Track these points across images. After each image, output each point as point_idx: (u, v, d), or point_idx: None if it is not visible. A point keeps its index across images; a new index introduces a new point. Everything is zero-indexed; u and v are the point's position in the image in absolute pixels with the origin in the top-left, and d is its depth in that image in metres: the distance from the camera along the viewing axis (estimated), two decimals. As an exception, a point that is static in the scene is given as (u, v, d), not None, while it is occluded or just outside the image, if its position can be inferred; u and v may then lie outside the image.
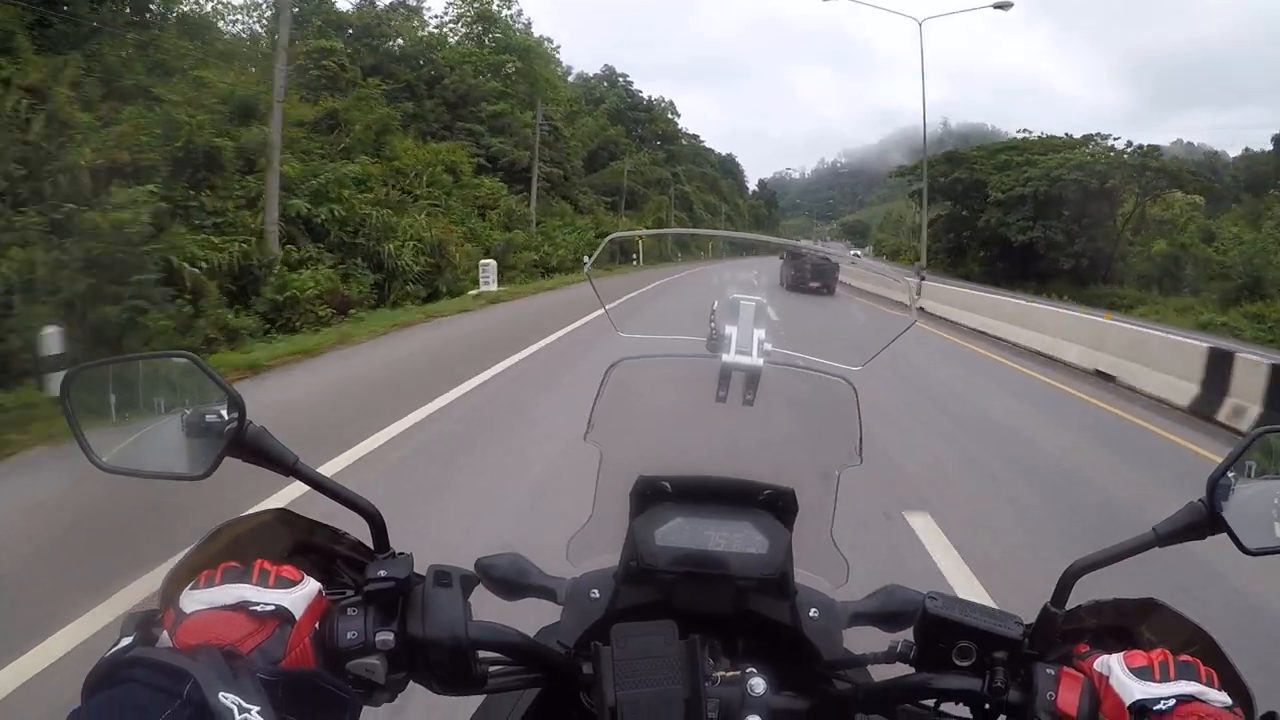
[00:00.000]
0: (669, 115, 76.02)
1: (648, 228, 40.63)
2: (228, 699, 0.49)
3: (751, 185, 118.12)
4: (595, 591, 0.76)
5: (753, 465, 0.83)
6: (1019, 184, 40.12)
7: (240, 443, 0.67)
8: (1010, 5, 24.33)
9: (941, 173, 43.37)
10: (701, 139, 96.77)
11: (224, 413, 0.68)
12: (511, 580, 0.78)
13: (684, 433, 0.98)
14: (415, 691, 0.68)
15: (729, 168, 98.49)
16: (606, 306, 1.05)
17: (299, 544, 0.71)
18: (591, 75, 66.80)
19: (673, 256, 47.82)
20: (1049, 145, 43.35)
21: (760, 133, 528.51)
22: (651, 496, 0.77)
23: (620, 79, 68.33)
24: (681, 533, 0.73)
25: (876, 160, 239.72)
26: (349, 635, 0.63)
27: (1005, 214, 40.73)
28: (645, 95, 71.53)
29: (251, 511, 0.69)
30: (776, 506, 0.77)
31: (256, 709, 0.50)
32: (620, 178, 45.30)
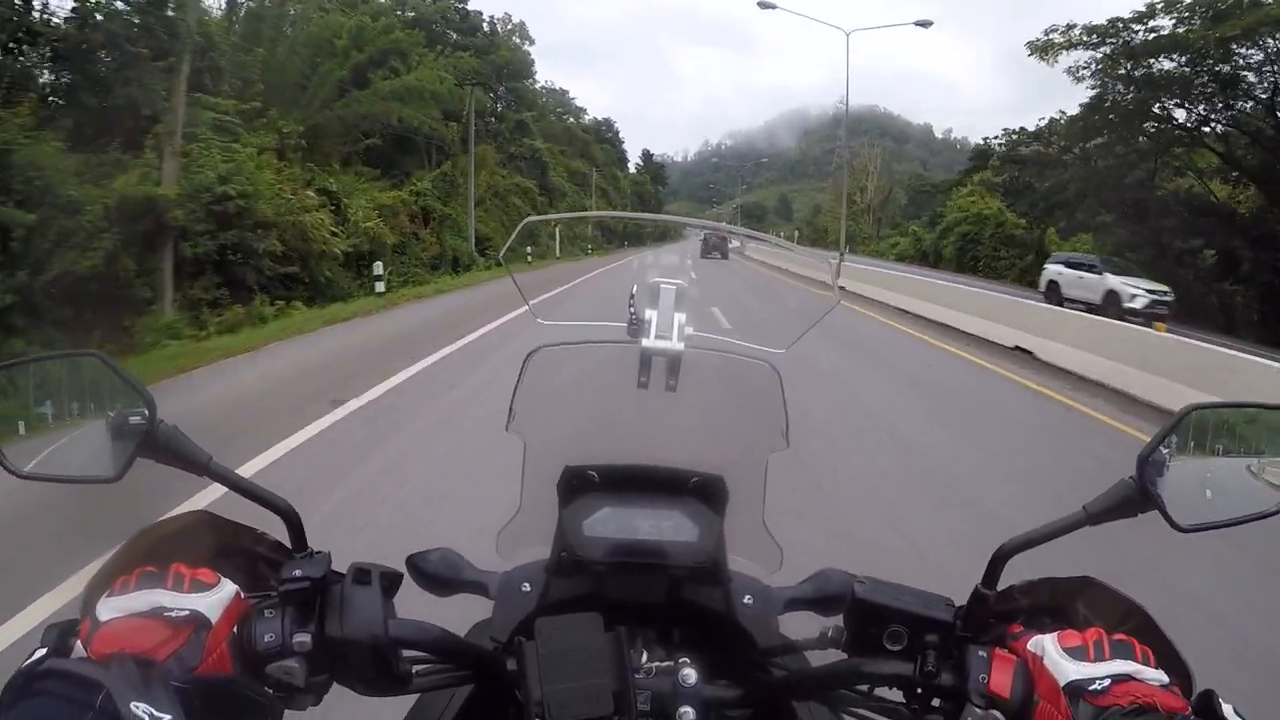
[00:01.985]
0: (516, 42, 55.32)
1: (460, 195, 29.39)
2: (139, 709, 0.50)
3: (633, 161, 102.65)
4: (526, 585, 0.77)
5: (680, 452, 0.83)
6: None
7: (152, 443, 0.67)
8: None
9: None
10: (570, 94, 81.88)
11: (141, 407, 0.68)
12: (442, 576, 0.79)
13: (609, 420, 0.97)
14: (344, 695, 0.68)
15: (605, 134, 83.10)
16: (529, 301, 1.05)
17: (220, 545, 0.70)
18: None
19: (583, 246, 40.72)
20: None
21: (638, 115, 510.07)
22: (579, 486, 0.78)
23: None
24: (611, 522, 0.74)
25: (764, 141, 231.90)
26: (266, 638, 0.62)
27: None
28: (483, 14, 50.91)
29: (172, 515, 0.69)
30: (706, 494, 0.78)
31: (169, 717, 0.51)
32: (383, 109, 24.63)
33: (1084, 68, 25.27)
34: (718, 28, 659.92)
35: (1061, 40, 25.11)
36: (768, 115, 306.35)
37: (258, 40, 20.39)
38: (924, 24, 27.05)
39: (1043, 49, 25.69)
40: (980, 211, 39.90)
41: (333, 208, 17.12)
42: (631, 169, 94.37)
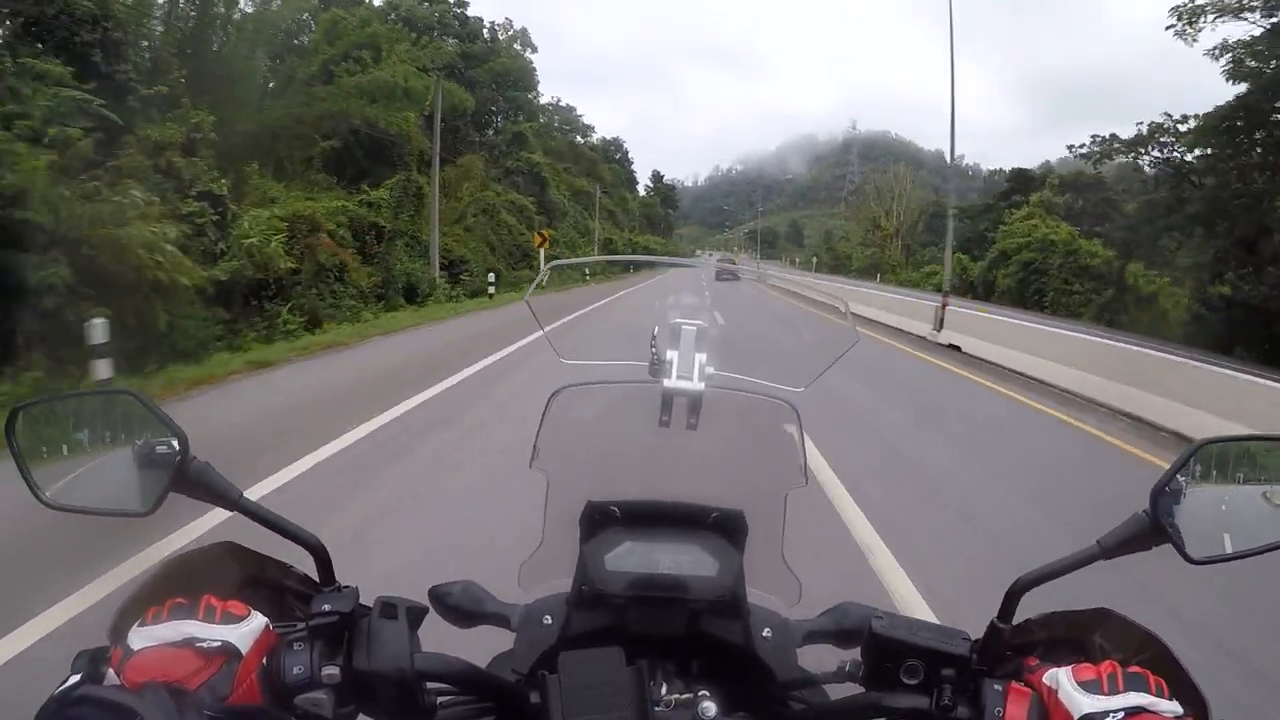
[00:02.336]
0: (518, 50, 49.01)
1: (440, 214, 24.15)
2: None
3: (643, 184, 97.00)
4: (548, 617, 0.78)
5: (700, 488, 0.85)
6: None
7: (184, 478, 0.68)
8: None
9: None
10: (578, 112, 75.37)
11: (174, 443, 0.69)
12: (465, 608, 0.80)
13: (630, 457, 0.99)
14: None
15: (613, 154, 77.90)
16: (545, 330, 1.09)
17: (247, 577, 0.72)
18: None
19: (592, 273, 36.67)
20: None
21: (648, 140, 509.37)
22: (600, 521, 0.80)
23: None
24: (631, 556, 0.75)
25: (775, 167, 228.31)
26: (295, 670, 0.64)
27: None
28: (483, 20, 45.99)
29: (199, 546, 0.70)
30: (726, 528, 0.80)
31: None
32: (347, 107, 20.19)
33: (1240, 46, 20.12)
34: (728, 55, 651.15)
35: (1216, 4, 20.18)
36: (778, 141, 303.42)
37: (191, 21, 16.63)
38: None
39: (1190, 17, 20.48)
40: (1046, 238, 34.83)
41: (216, 217, 11.85)
42: (641, 190, 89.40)
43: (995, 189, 63.50)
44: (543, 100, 58.87)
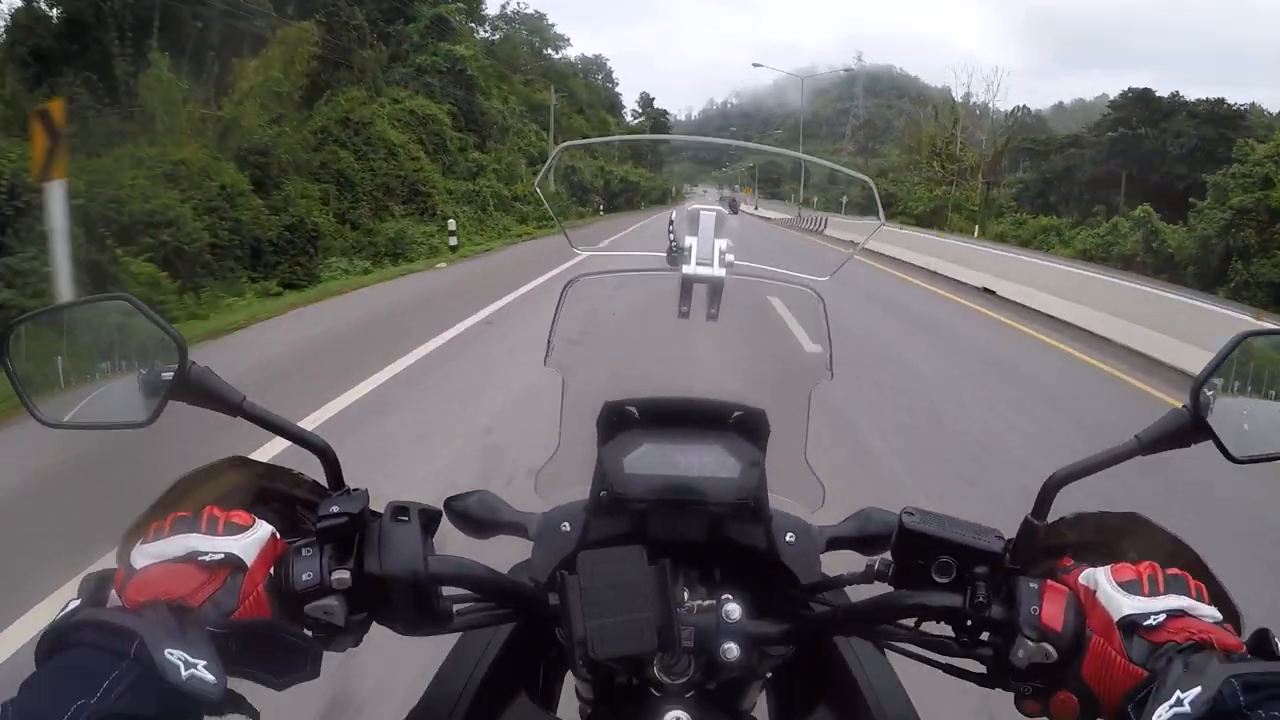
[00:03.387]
0: None
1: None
2: (174, 655, 0.50)
3: (630, 109, 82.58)
4: (566, 524, 0.76)
5: (721, 385, 0.83)
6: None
7: (184, 385, 0.67)
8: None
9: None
10: (548, 20, 60.02)
11: (172, 349, 0.67)
12: (480, 518, 0.79)
13: (648, 353, 0.98)
14: (382, 638, 0.68)
15: (593, 70, 64.57)
16: (567, 234, 1.04)
17: (257, 490, 0.71)
18: None
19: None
20: None
21: (637, 70, 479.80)
22: (619, 423, 0.78)
23: None
24: (651, 459, 0.74)
25: (773, 100, 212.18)
26: (304, 577, 0.62)
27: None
28: None
29: (206, 463, 0.69)
30: (747, 428, 0.78)
31: (203, 663, 0.51)
32: None
33: None
34: None
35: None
36: (775, 73, 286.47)
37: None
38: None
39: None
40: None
41: None
42: (628, 117, 75.93)
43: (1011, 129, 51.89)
44: (502, 5, 47.48)
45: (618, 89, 76.25)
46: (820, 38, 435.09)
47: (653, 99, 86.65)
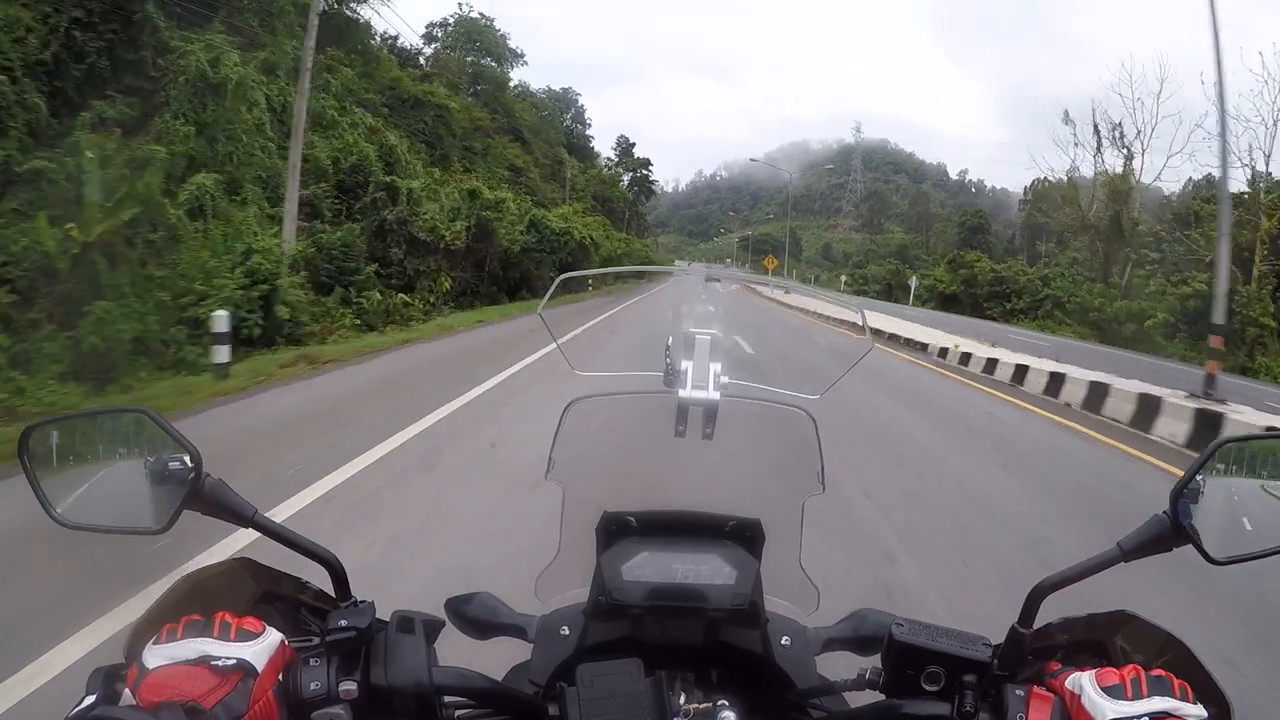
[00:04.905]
0: None
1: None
2: None
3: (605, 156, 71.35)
4: (565, 628, 0.79)
5: (717, 497, 0.87)
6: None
7: (198, 495, 0.69)
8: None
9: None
10: (501, 32, 48.70)
11: (186, 460, 0.70)
12: (481, 620, 0.82)
13: (646, 467, 1.00)
14: None
15: (560, 106, 54.98)
16: (566, 356, 1.11)
17: (263, 593, 0.73)
18: None
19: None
20: None
21: (618, 130, 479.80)
22: (617, 531, 0.80)
23: None
24: (649, 566, 0.76)
25: (763, 173, 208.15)
26: (312, 686, 0.65)
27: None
28: None
29: (214, 562, 0.72)
30: (744, 537, 0.80)
31: None
32: None
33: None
34: (713, 57, 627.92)
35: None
36: (767, 146, 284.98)
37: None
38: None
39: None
40: None
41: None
42: (603, 163, 68.77)
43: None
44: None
45: (589, 130, 66.89)
46: (812, 112, 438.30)
47: (633, 144, 74.95)
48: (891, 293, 58.88)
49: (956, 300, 48.72)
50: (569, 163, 48.21)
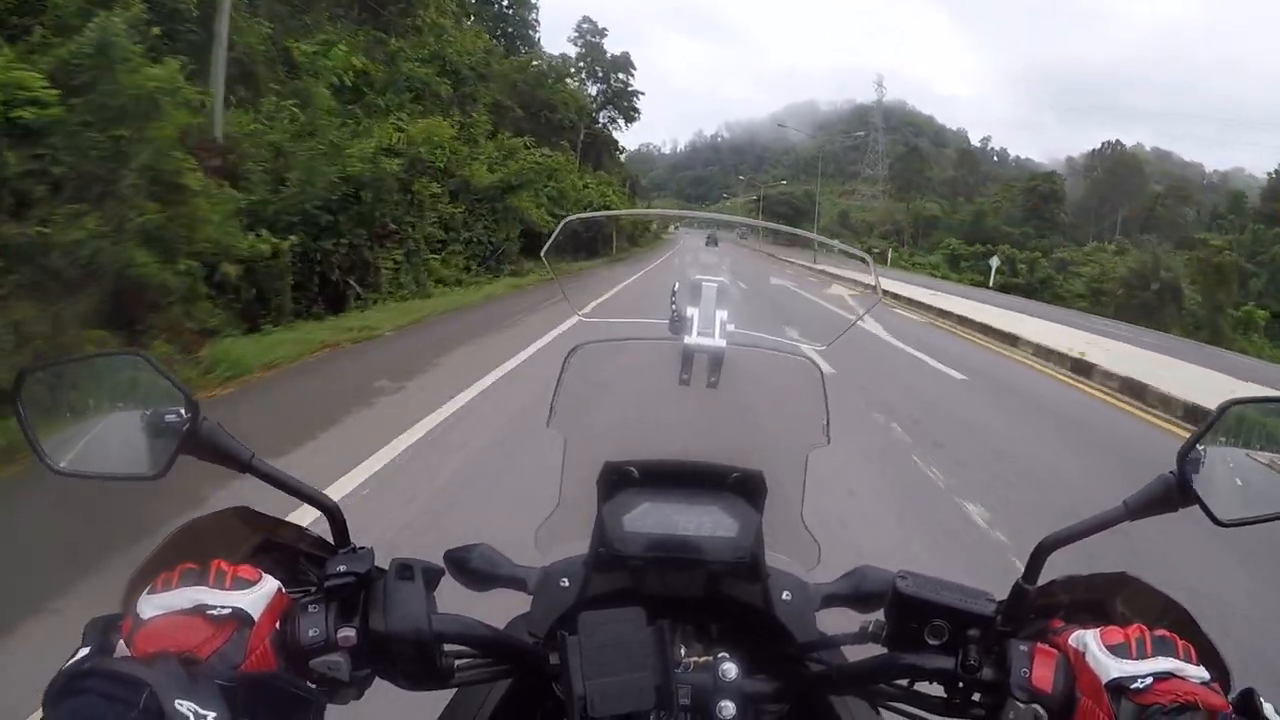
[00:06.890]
0: None
1: None
2: (184, 706, 0.52)
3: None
4: (565, 580, 0.79)
5: (720, 448, 0.86)
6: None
7: (195, 440, 0.69)
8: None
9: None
10: None
11: (182, 411, 0.70)
12: (481, 571, 0.82)
13: (649, 417, 1.00)
14: (383, 689, 0.71)
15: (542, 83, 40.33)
16: (569, 299, 1.12)
17: (261, 542, 0.73)
18: None
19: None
20: None
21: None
22: (618, 482, 0.81)
23: None
24: (650, 518, 0.77)
25: (769, 133, 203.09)
26: (310, 633, 0.65)
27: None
28: None
29: (211, 512, 0.72)
30: (746, 489, 0.81)
31: (213, 715, 0.53)
32: None
33: None
34: (714, 10, 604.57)
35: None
36: (772, 106, 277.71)
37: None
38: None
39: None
40: None
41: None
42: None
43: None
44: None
45: (533, 15, 43.79)
46: (820, 70, 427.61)
47: (603, 32, 53.63)
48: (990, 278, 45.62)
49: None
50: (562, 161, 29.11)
